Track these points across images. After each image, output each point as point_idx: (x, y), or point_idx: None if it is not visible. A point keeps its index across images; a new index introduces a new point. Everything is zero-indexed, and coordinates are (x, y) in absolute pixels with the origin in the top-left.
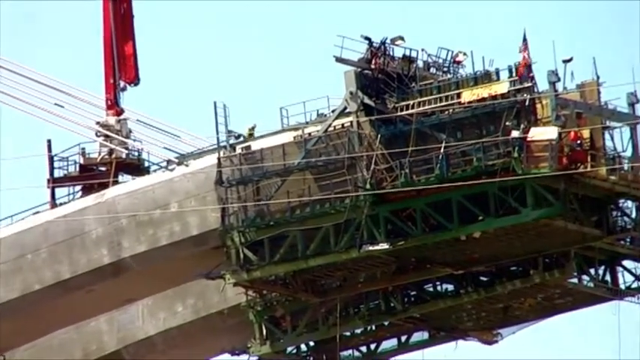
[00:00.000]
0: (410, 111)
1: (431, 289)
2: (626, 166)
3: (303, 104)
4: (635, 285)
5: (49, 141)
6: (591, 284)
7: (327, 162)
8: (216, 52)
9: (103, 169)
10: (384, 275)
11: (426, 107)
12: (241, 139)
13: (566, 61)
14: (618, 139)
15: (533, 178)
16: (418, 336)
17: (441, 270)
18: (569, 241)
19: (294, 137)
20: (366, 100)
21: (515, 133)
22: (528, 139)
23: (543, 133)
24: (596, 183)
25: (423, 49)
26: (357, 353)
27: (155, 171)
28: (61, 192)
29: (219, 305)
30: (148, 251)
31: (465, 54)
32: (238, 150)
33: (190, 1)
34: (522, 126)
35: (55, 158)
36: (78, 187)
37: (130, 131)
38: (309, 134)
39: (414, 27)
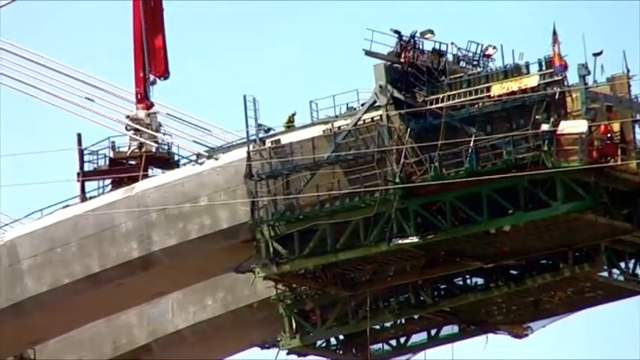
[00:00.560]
0: (440, 104)
1: (461, 283)
2: None
3: (332, 98)
4: None
5: (79, 135)
6: (621, 278)
7: (357, 156)
8: (246, 45)
9: (133, 162)
10: (413, 269)
11: (456, 101)
12: (271, 132)
13: (596, 54)
14: None
15: (564, 172)
16: (448, 329)
17: (471, 263)
18: (599, 234)
19: (324, 131)
20: (396, 94)
21: (545, 127)
22: (558, 132)
23: (573, 127)
24: (626, 176)
25: (452, 43)
26: (386, 347)
27: (185, 165)
28: (90, 186)
29: (249, 299)
30: (177, 245)
31: (494, 47)
32: (268, 144)
33: None
34: (552, 119)
35: (85, 152)
36: (108, 181)
37: (160, 125)
38: (339, 128)
39: (444, 20)
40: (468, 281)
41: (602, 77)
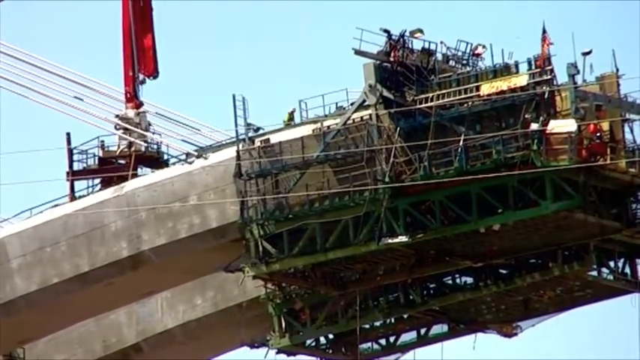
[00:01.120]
0: (429, 104)
1: (450, 282)
2: None
3: (322, 97)
4: None
5: (68, 134)
6: (611, 277)
7: (346, 155)
8: (235, 44)
9: (122, 162)
10: (403, 268)
11: (445, 100)
12: (260, 131)
13: (585, 54)
14: (638, 132)
15: (553, 171)
16: (437, 329)
17: (460, 262)
18: (589, 233)
19: (313, 130)
20: (385, 93)
21: (534, 126)
22: (548, 131)
23: (563, 126)
24: (615, 175)
25: (442, 42)
26: (376, 346)
27: (174, 164)
28: (80, 185)
29: (239, 298)
30: (167, 244)
31: (484, 47)
32: (257, 143)
33: None
34: (542, 118)
35: (75, 151)
36: (97, 180)
37: (149, 124)
38: (328, 127)
39: (434, 20)
40: (458, 280)
41: (591, 76)
